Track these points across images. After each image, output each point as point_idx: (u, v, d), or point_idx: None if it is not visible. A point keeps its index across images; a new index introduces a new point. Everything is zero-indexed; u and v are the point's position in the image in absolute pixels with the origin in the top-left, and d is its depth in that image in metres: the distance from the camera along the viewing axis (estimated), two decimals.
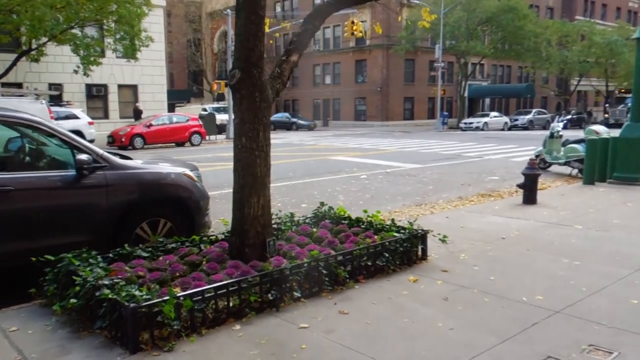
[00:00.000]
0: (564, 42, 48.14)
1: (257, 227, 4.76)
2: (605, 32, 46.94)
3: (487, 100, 51.83)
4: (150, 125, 22.52)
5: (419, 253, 5.39)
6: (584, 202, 8.67)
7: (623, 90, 52.61)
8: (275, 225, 5.82)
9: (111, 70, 27.89)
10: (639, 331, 3.59)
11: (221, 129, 29.27)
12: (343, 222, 6.02)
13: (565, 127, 36.53)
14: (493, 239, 6.25)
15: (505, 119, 41.76)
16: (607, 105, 50.64)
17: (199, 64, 56.14)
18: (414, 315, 3.95)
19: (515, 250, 5.73)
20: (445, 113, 42.57)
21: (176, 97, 58.00)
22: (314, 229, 5.94)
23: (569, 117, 42.59)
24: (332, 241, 5.27)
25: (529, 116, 41.87)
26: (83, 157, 4.76)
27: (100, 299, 3.61)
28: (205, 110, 34.93)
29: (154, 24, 29.07)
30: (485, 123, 39.03)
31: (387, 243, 5.03)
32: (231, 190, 4.90)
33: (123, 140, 21.68)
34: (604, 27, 50.92)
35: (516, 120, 41.55)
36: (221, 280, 4.03)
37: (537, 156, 13.78)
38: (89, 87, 27.83)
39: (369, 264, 4.85)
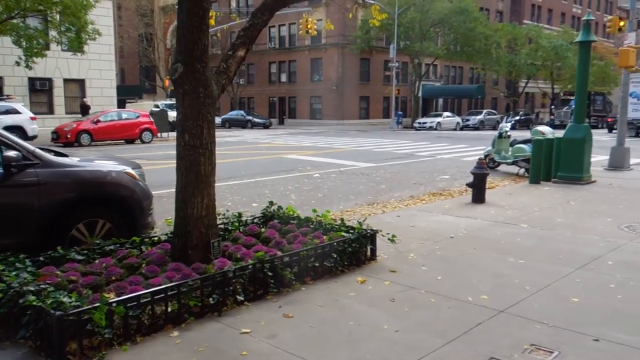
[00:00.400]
0: (512, 45, 49.67)
1: (201, 228, 4.58)
2: (551, 36, 48.74)
3: (440, 101, 52.88)
4: (98, 121, 21.70)
5: (368, 253, 5.34)
6: (530, 201, 8.87)
7: (568, 93, 54.79)
8: (222, 226, 5.65)
9: (56, 64, 26.76)
10: (579, 330, 3.64)
11: (174, 126, 28.54)
12: (292, 222, 5.90)
13: (513, 128, 37.80)
14: (442, 238, 6.28)
15: (458, 119, 42.70)
16: (552, 107, 52.64)
17: (151, 60, 54.66)
18: (360, 317, 3.88)
19: (463, 249, 5.76)
20: (400, 113, 43.14)
21: (127, 93, 56.30)
22: (262, 229, 5.81)
23: (517, 118, 44.02)
24: (279, 242, 5.15)
25: (480, 117, 42.96)
26: (11, 153, 4.45)
27: (24, 307, 3.35)
28: (157, 106, 34.04)
29: (102, 16, 28.10)
30: (439, 123, 39.77)
31: (335, 243, 4.94)
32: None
33: (69, 136, 20.79)
34: (550, 32, 52.85)
35: (468, 120, 42.55)
36: (160, 284, 3.84)
37: (486, 156, 14.07)
38: (32, 80, 26.59)
39: (317, 265, 4.75)
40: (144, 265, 4.47)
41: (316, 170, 13.36)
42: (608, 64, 51.57)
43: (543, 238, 6.28)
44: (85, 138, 21.08)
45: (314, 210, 6.02)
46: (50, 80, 27.23)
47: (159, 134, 25.23)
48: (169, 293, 3.71)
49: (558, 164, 11.07)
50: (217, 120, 41.88)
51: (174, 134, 28.47)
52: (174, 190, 4.63)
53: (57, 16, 20.55)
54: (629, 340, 3.47)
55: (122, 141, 23.11)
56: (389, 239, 5.37)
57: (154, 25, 57.22)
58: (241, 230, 5.65)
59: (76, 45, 21.38)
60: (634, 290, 4.46)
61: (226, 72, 4.89)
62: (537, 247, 5.83)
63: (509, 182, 11.68)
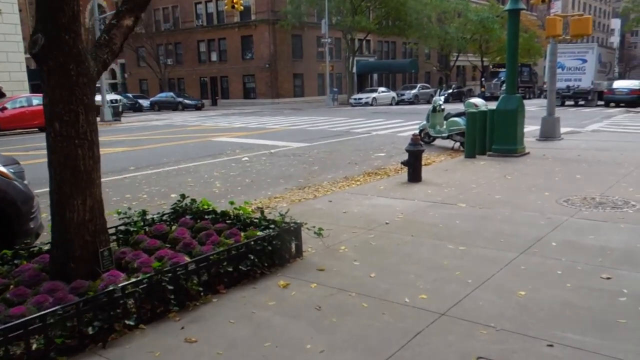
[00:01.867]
0: (442, 19, 50.14)
1: (84, 235, 3.75)
2: (478, 10, 49.54)
3: (375, 76, 52.85)
4: (4, 108, 19.74)
5: (293, 250, 4.70)
6: (466, 177, 8.52)
7: (497, 65, 56.20)
8: (123, 227, 4.83)
9: None
10: (530, 333, 3.16)
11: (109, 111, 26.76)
12: (207, 217, 5.15)
13: (447, 101, 38.23)
14: (376, 224, 5.73)
15: (393, 94, 42.76)
16: (483, 79, 53.87)
17: None
18: (280, 335, 3.23)
19: (399, 237, 5.23)
20: (335, 89, 42.66)
21: None
22: (173, 227, 5.04)
23: (450, 91, 44.63)
24: (189, 243, 4.40)
25: (414, 91, 43.22)
26: None
27: None
28: None
29: None
30: (374, 98, 39.63)
31: (252, 242, 4.25)
32: None
33: None
34: (477, 5, 53.71)
35: (403, 95, 42.72)
36: (22, 315, 3.02)
37: (421, 130, 13.77)
38: None
39: (230, 269, 4.05)
40: (12, 286, 3.61)
41: (246, 153, 12.55)
42: (532, 36, 53.19)
43: (483, 219, 5.86)
44: None
45: (231, 202, 5.29)
46: None
47: None
48: (31, 328, 2.90)
49: (492, 137, 10.84)
50: (146, 103, 39.82)
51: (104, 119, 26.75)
52: None
53: None
54: (585, 342, 3.02)
55: (36, 129, 21.22)
56: (315, 232, 4.74)
57: None
58: (147, 230, 4.85)
59: None
60: (581, 276, 4.06)
61: (109, 44, 4.01)
62: (477, 230, 5.39)
63: (445, 157, 11.37)
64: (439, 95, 13.50)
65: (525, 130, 11.37)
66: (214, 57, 46.63)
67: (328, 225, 5.70)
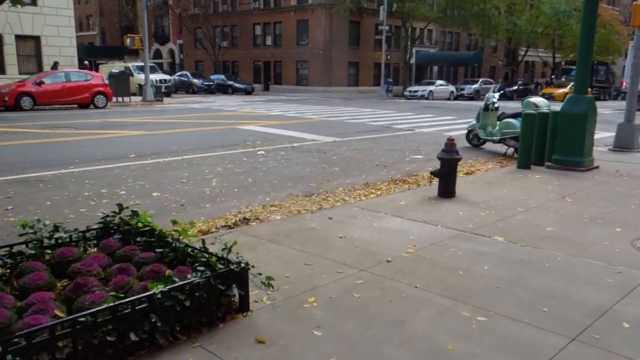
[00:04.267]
0: (512, 11, 46.80)
1: None
2: (553, 1, 45.83)
3: (435, 68, 50.28)
4: (42, 82, 19.35)
5: (236, 300, 3.30)
6: (513, 195, 6.81)
7: (569, 62, 52.07)
8: (23, 247, 3.59)
9: (6, 18, 24.13)
10: None
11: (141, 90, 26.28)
12: (140, 239, 3.84)
13: (509, 98, 35.48)
14: (373, 262, 4.24)
15: (452, 87, 40.28)
16: (553, 76, 50.05)
17: (130, 19, 51.56)
18: None
19: (397, 287, 3.72)
20: (390, 80, 40.67)
21: (108, 54, 53.40)
22: (91, 250, 3.78)
23: (515, 87, 41.58)
24: (81, 284, 3.09)
25: (476, 86, 40.48)
26: None
27: None
28: (127, 68, 31.58)
29: None
30: (431, 92, 37.40)
31: (159, 295, 2.88)
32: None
33: (6, 99, 18.49)
34: None
35: (462, 89, 40.14)
36: None
37: (469, 131, 12.02)
38: None
39: (112, 339, 2.69)
40: None
41: (266, 145, 11.23)
42: (611, 32, 48.84)
43: (523, 265, 4.24)
44: (26, 101, 18.80)
45: (174, 222, 3.92)
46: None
47: (116, 99, 22.93)
48: None
49: (553, 145, 8.98)
50: (199, 83, 39.12)
51: (137, 99, 26.31)
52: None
53: None
54: None
55: (75, 105, 20.84)
56: (262, 281, 3.29)
57: None
58: (48, 254, 3.59)
59: None
60: None
61: None
62: (512, 285, 3.80)
63: (494, 165, 9.62)
64: (494, 92, 11.63)
65: (596, 137, 9.42)
66: (268, 41, 45.63)
67: (309, 257, 4.29)
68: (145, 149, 10.24)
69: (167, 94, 32.20)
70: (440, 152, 6.72)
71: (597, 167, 8.82)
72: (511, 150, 10.67)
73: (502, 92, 33.28)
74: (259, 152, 10.19)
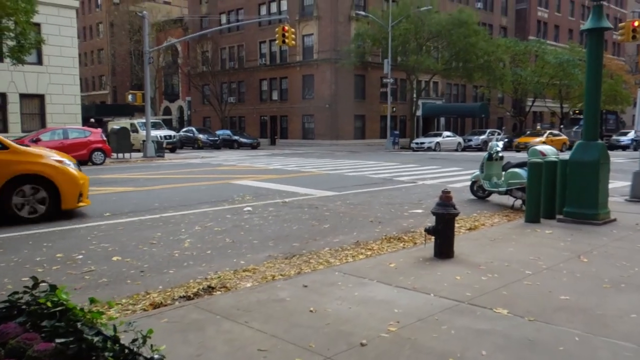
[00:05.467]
0: (517, 62, 46.98)
1: None
2: (557, 52, 45.99)
3: (442, 120, 50.11)
4: (38, 140, 19.07)
5: None
6: (520, 254, 5.98)
7: (577, 112, 51.69)
8: None
9: (11, 77, 24.31)
10: None
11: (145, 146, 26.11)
12: (45, 323, 3.08)
13: (517, 149, 34.72)
14: (344, 345, 3.42)
15: (459, 139, 39.84)
16: (562, 126, 49.52)
17: (140, 77, 52.51)
18: None
19: None
20: (396, 132, 40.41)
21: (118, 112, 54.14)
22: None
23: (508, 137, 40.78)
24: None
25: (483, 136, 39.96)
26: None
27: None
28: (132, 125, 31.68)
29: (64, 26, 25.93)
30: (438, 143, 36.95)
31: None
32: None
33: None
34: (556, 48, 50.14)
35: (470, 140, 39.67)
36: None
37: (473, 182, 11.28)
38: None
39: None
40: None
41: (256, 201, 10.55)
42: (618, 81, 48.69)
43: (530, 348, 3.39)
44: None
45: (92, 300, 3.15)
46: (3, 95, 24.76)
47: (116, 155, 22.64)
48: None
49: (564, 196, 8.19)
50: (205, 139, 39.04)
51: (138, 155, 26.06)
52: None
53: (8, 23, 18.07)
54: None
55: None
56: None
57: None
58: None
59: (17, 55, 18.86)
60: None
61: None
62: None
63: (500, 218, 8.82)
64: (497, 140, 10.95)
65: (610, 186, 8.62)
66: (275, 95, 45.96)
67: (266, 340, 3.52)
68: (124, 206, 9.61)
69: (172, 150, 32.06)
70: (435, 206, 5.96)
71: (614, 220, 7.96)
72: (519, 202, 9.88)
73: (507, 140, 32.33)
74: (245, 209, 9.48)
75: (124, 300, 4.60)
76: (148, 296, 4.76)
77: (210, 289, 5.01)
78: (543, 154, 8.84)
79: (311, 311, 4.11)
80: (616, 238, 6.85)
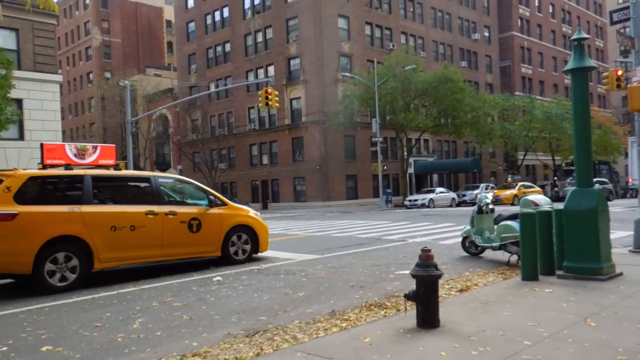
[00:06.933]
0: (505, 117, 47.30)
1: None
2: (544, 107, 46.39)
3: (435, 176, 49.77)
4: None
5: None
6: (518, 320, 5.14)
7: (570, 164, 51.54)
8: None
9: None
10: None
11: None
12: None
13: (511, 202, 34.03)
14: None
15: (453, 194, 39.32)
16: (555, 178, 49.15)
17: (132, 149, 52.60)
18: None
19: None
20: (389, 190, 39.88)
21: None
22: None
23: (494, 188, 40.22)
24: None
25: (477, 191, 39.37)
26: None
27: None
28: None
29: (47, 100, 25.74)
30: (431, 199, 36.35)
31: None
32: None
33: None
34: (543, 102, 50.67)
35: (464, 195, 39.15)
36: None
37: (464, 238, 10.53)
38: None
39: None
40: None
41: (231, 268, 9.69)
42: (607, 132, 48.90)
43: None
44: None
45: None
46: None
47: None
48: None
49: (562, 249, 7.42)
50: None
51: None
52: None
53: None
54: None
55: None
56: None
57: (137, 114, 55.92)
58: None
59: None
60: None
61: None
62: None
63: (494, 276, 8.01)
64: (486, 192, 10.28)
65: (611, 236, 7.87)
66: (265, 159, 45.68)
67: None
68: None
69: None
70: (414, 267, 5.17)
71: (620, 275, 7.16)
72: (514, 257, 9.08)
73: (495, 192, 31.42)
74: (215, 279, 8.62)
75: None
76: None
77: None
78: (535, 204, 8.13)
79: None
80: (625, 295, 6.03)
